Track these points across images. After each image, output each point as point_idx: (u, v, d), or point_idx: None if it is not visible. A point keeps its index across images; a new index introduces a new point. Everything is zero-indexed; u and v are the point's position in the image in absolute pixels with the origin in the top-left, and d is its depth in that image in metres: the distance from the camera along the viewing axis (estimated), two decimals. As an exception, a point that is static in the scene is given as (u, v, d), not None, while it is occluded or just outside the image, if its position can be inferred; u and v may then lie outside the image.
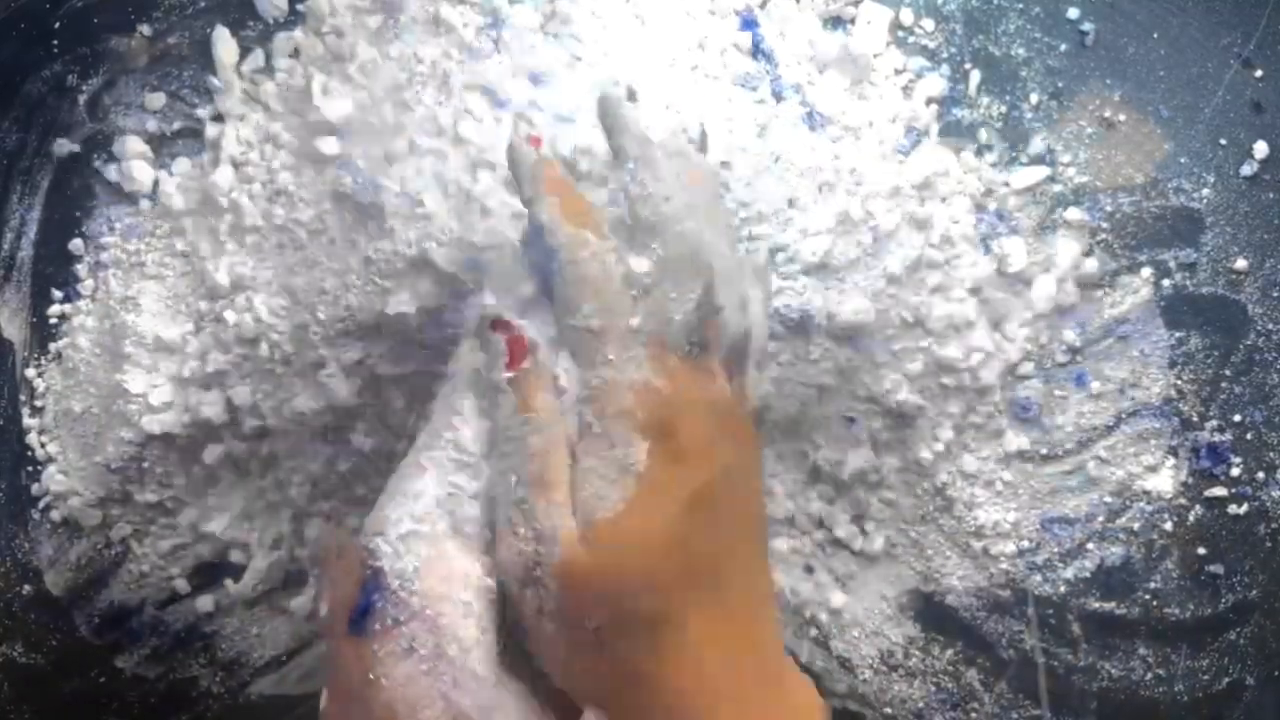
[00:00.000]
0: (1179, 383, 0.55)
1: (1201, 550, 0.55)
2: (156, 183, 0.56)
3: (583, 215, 0.40)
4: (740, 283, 0.41)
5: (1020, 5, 0.57)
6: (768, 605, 0.40)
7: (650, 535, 0.36)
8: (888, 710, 0.56)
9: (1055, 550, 0.55)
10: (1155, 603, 0.55)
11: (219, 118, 0.56)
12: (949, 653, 0.56)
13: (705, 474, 0.37)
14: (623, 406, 0.37)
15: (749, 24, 0.55)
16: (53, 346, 0.56)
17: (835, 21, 0.57)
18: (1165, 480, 0.55)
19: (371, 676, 0.36)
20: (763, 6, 0.56)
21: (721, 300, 0.39)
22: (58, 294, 0.57)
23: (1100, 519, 0.55)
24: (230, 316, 0.52)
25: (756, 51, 0.55)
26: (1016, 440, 0.55)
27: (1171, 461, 0.55)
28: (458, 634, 0.37)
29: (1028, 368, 0.55)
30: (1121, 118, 0.56)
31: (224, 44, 0.56)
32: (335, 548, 0.39)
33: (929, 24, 0.57)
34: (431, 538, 0.38)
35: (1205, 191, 0.56)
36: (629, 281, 0.39)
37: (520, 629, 0.38)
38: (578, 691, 0.38)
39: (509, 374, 0.39)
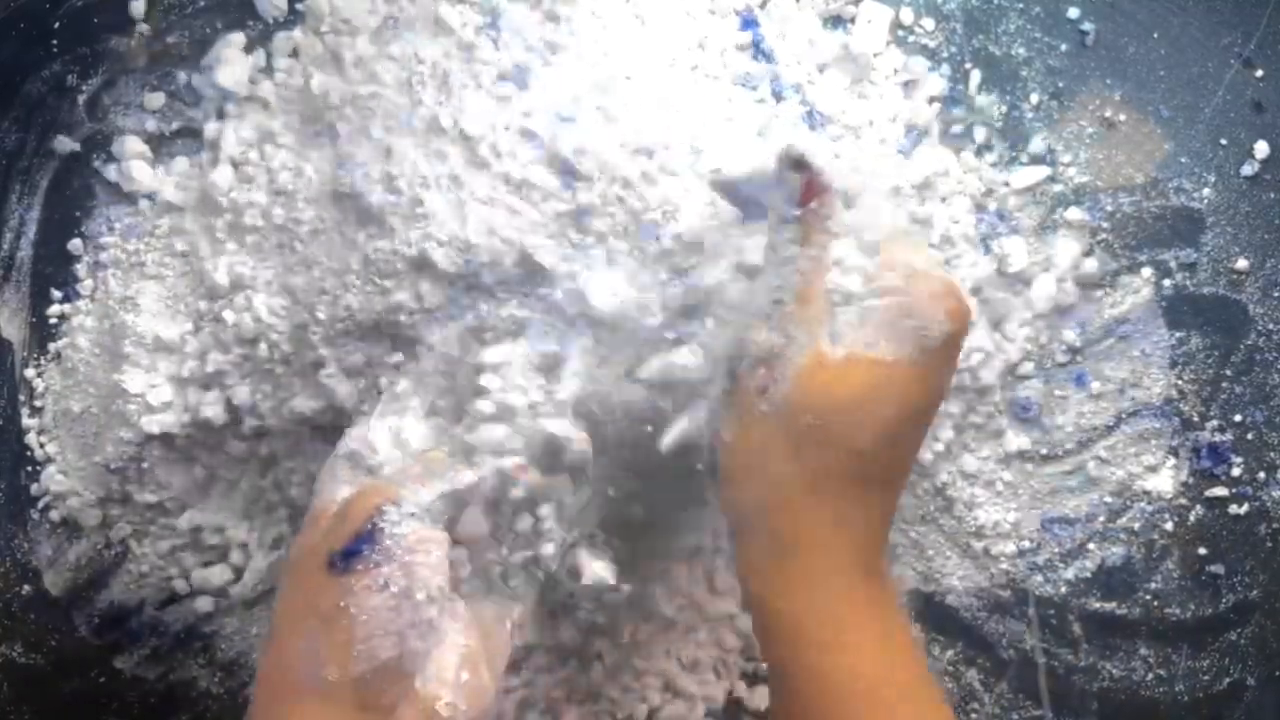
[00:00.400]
0: (1179, 383, 0.55)
1: (1202, 550, 0.55)
2: (156, 183, 0.56)
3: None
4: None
5: (1020, 5, 0.57)
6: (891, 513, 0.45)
7: (903, 400, 0.41)
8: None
9: (1056, 550, 0.55)
10: (1156, 603, 0.55)
11: (218, 117, 0.56)
12: (949, 653, 0.56)
13: (952, 376, 0.44)
14: (935, 289, 0.42)
15: (749, 24, 0.55)
16: (52, 346, 0.56)
17: (835, 21, 0.57)
18: (1166, 480, 0.55)
19: (342, 604, 0.41)
20: (763, 6, 0.56)
21: None
22: (57, 294, 0.56)
23: (1101, 519, 0.55)
24: (229, 316, 0.52)
25: (756, 51, 0.55)
26: (1017, 440, 0.55)
27: (1172, 461, 0.55)
28: (427, 583, 0.41)
29: (1028, 368, 0.55)
30: (1122, 118, 0.56)
31: (231, 50, 0.56)
32: (362, 491, 0.44)
33: (929, 23, 0.57)
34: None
35: (1206, 191, 0.56)
36: None
37: (728, 400, 0.44)
38: (744, 489, 0.43)
39: (798, 210, 0.43)
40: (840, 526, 0.42)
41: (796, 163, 0.43)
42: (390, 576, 0.41)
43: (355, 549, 0.42)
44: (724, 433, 0.44)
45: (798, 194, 0.43)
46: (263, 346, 0.51)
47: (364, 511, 0.42)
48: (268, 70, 0.56)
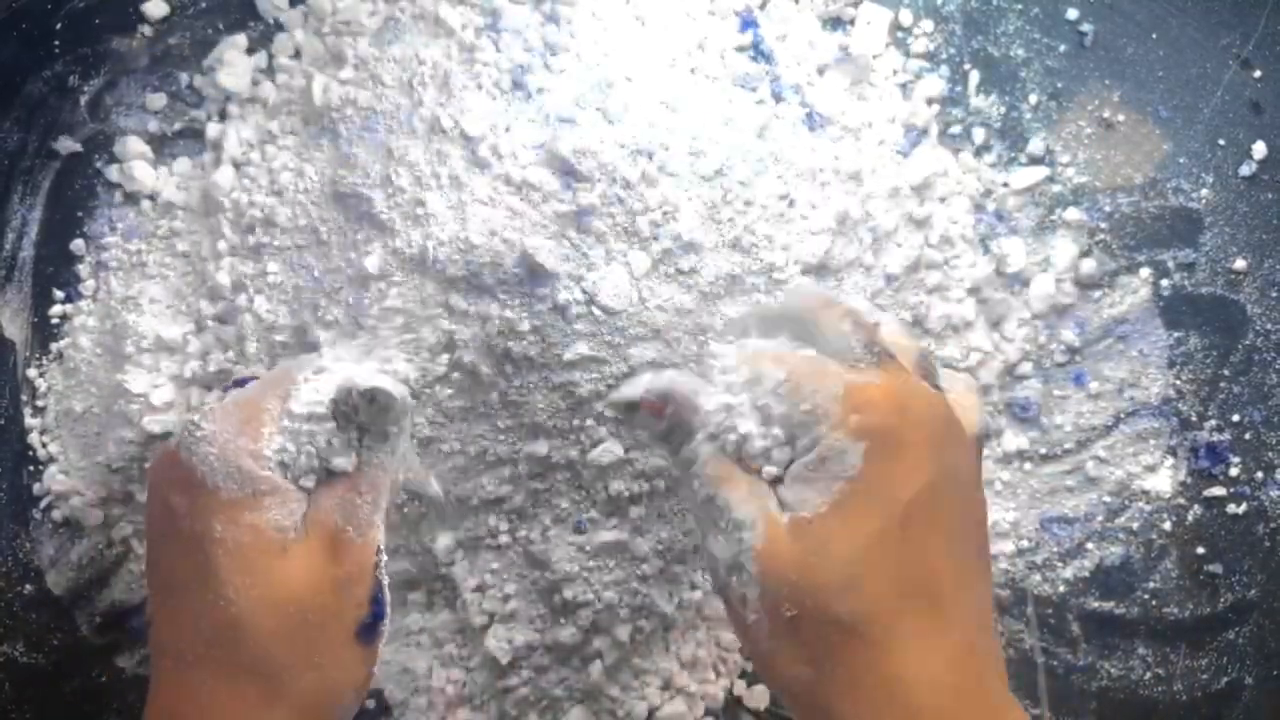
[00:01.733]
0: (1178, 383, 0.55)
1: (1200, 550, 0.55)
2: (157, 183, 0.56)
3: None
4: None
5: (1019, 6, 0.57)
6: (988, 629, 0.39)
7: (855, 538, 0.36)
8: None
9: (1054, 550, 0.55)
10: (1154, 602, 0.55)
11: (220, 118, 0.56)
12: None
13: (923, 476, 0.37)
14: (830, 412, 0.37)
15: (748, 25, 0.55)
16: (54, 346, 0.56)
17: (835, 23, 0.57)
18: (1164, 480, 0.55)
19: (369, 671, 0.42)
20: (762, 7, 0.56)
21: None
22: (59, 294, 0.57)
23: (1099, 519, 0.55)
24: (231, 316, 0.52)
25: (756, 52, 0.55)
26: (1015, 440, 0.56)
27: (1170, 461, 0.55)
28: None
29: (1026, 368, 0.55)
30: (1120, 118, 0.56)
31: (233, 51, 0.56)
32: (349, 544, 0.42)
33: (928, 25, 0.57)
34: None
35: (1204, 192, 0.56)
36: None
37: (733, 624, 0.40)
38: (776, 681, 0.39)
39: (663, 420, 0.42)
40: (898, 685, 0.36)
41: (626, 408, 0.43)
42: (385, 634, 0.43)
43: (379, 613, 0.42)
44: (745, 650, 0.42)
45: (650, 421, 0.43)
46: (264, 347, 0.52)
47: (369, 573, 0.42)
48: (269, 71, 0.56)
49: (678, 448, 0.42)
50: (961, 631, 0.37)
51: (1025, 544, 0.55)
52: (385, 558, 0.43)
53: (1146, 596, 0.55)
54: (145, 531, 0.44)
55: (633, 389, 0.45)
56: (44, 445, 0.56)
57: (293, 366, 0.45)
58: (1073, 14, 0.57)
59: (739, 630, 0.40)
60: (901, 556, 0.36)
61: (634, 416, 0.44)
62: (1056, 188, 0.56)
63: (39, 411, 0.56)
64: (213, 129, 0.56)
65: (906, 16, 0.57)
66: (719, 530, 0.39)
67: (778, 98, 0.54)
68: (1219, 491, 0.55)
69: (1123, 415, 0.55)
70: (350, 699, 0.42)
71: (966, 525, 0.38)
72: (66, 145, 0.57)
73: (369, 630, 0.42)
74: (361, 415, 0.44)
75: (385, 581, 0.43)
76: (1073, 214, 0.56)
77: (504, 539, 0.54)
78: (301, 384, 0.43)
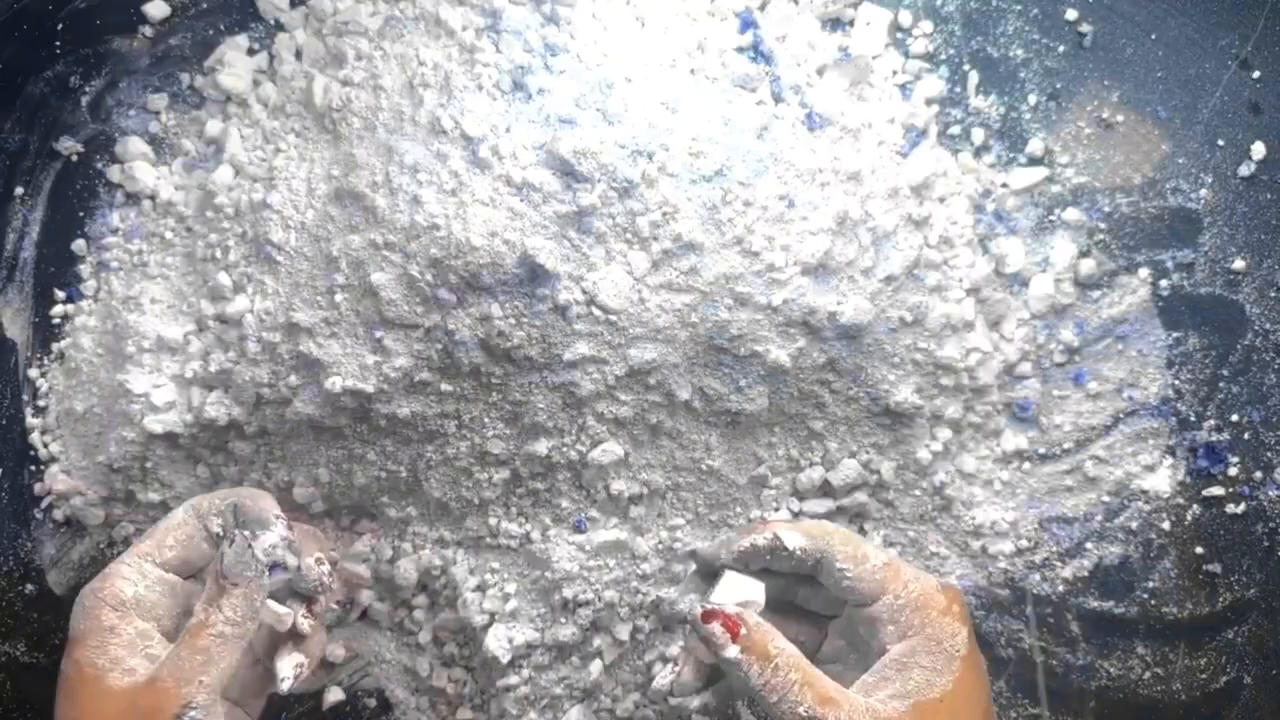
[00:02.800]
0: (1177, 382, 0.55)
1: (1199, 549, 0.55)
2: (158, 183, 0.57)
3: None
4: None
5: (1018, 7, 0.57)
6: None
7: (976, 708, 0.45)
8: None
9: (1054, 549, 0.55)
10: (1153, 602, 0.55)
11: (221, 118, 0.56)
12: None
13: (983, 660, 0.47)
14: (941, 605, 0.46)
15: (748, 25, 0.55)
16: (55, 346, 0.57)
17: (834, 23, 0.57)
18: (1163, 480, 0.55)
19: None
20: (762, 8, 0.56)
21: None
22: (60, 294, 0.57)
23: (1098, 518, 0.55)
24: (232, 316, 0.52)
25: (756, 53, 0.55)
26: (1015, 440, 0.56)
27: (1169, 461, 0.55)
28: None
29: (1026, 368, 0.55)
30: (1119, 118, 0.56)
31: (234, 51, 0.56)
32: (152, 692, 0.45)
33: (928, 25, 0.57)
34: None
35: (1203, 192, 0.56)
36: None
37: None
38: None
39: (736, 648, 0.44)
40: None
41: (705, 615, 0.45)
42: None
43: None
44: None
45: (725, 636, 0.44)
46: (264, 347, 0.52)
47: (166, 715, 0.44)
48: (270, 72, 0.56)
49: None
50: None
51: (1024, 543, 0.55)
52: (198, 713, 0.44)
53: (1145, 596, 0.55)
54: None
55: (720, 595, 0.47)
56: (45, 445, 0.56)
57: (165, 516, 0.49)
58: (1072, 14, 0.57)
59: None
60: (992, 712, 0.46)
61: (703, 641, 0.45)
62: (1055, 188, 0.56)
63: (40, 411, 0.56)
64: (213, 129, 0.56)
65: (906, 17, 0.57)
66: None
67: (778, 98, 0.54)
68: (1218, 491, 0.55)
69: (1122, 415, 0.55)
70: None
71: None
72: (68, 145, 0.57)
73: None
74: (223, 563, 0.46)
75: None
76: (1072, 214, 0.56)
77: (504, 539, 0.54)
78: (164, 536, 0.48)
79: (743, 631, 0.44)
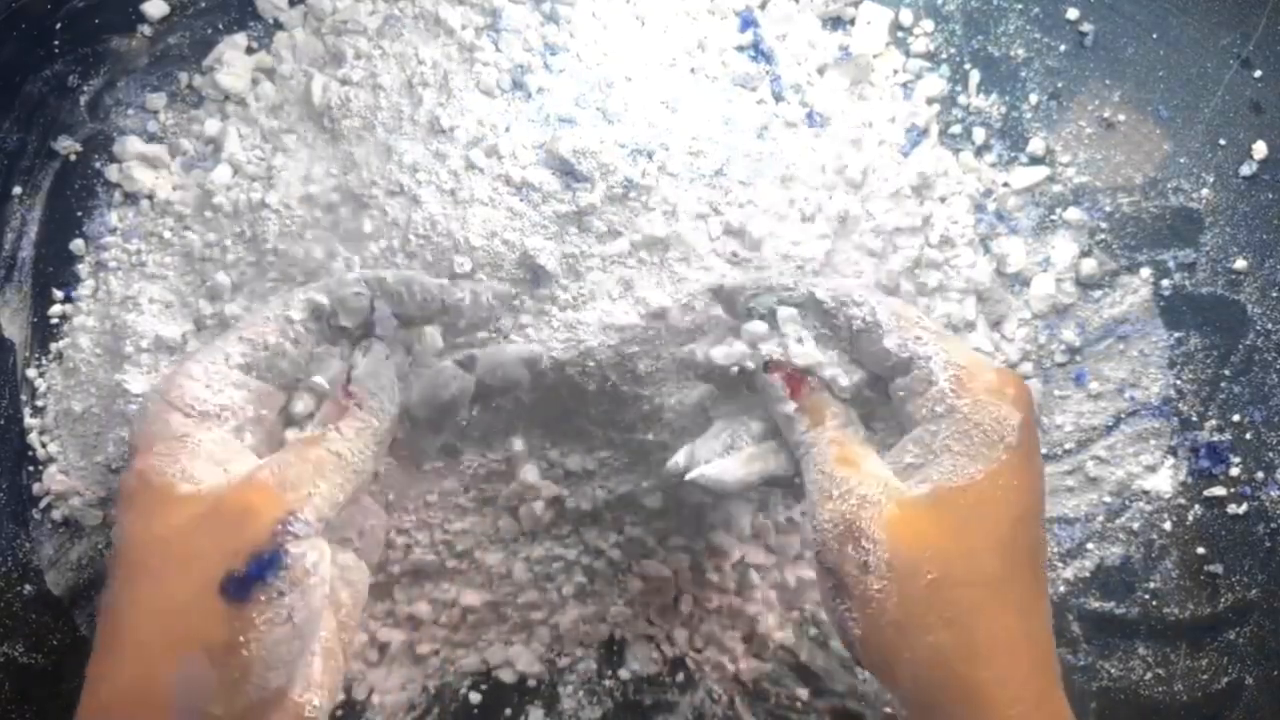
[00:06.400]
0: (1178, 383, 0.55)
1: (1201, 550, 0.55)
2: (156, 183, 0.56)
3: None
4: None
5: (1020, 6, 0.57)
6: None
7: (1013, 503, 0.38)
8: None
9: (1055, 550, 0.55)
10: (1155, 602, 0.55)
11: (220, 118, 0.56)
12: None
13: (1039, 462, 0.40)
14: (990, 384, 0.40)
15: (749, 24, 0.55)
16: (54, 346, 0.56)
17: (835, 22, 0.57)
18: (1164, 480, 0.55)
19: (240, 640, 0.36)
20: (763, 7, 0.56)
21: None
22: (58, 294, 0.57)
23: (1100, 519, 0.55)
24: (231, 316, 0.52)
25: (756, 52, 0.55)
26: (1016, 440, 0.55)
27: (1171, 461, 0.55)
28: (320, 613, 0.38)
29: (1027, 368, 0.55)
30: (1121, 118, 0.56)
31: (232, 51, 0.56)
32: (253, 491, 0.37)
33: (929, 24, 0.57)
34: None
35: (1204, 191, 0.56)
36: None
37: (840, 597, 0.40)
38: (903, 652, 0.38)
39: (795, 403, 0.42)
40: (1017, 660, 0.38)
41: (769, 365, 0.43)
42: (293, 607, 0.36)
43: (257, 574, 0.36)
44: (852, 631, 0.39)
45: (783, 391, 0.43)
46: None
47: (267, 528, 0.36)
48: (269, 71, 0.56)
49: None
50: (1042, 630, 0.40)
51: (1025, 544, 0.55)
52: (304, 529, 0.37)
53: (1147, 596, 0.55)
54: None
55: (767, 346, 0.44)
56: (43, 445, 0.56)
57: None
58: (1073, 14, 0.57)
59: (848, 601, 0.39)
60: (1037, 524, 0.40)
61: (763, 386, 0.43)
62: (1057, 187, 0.56)
63: (38, 411, 0.56)
64: (212, 128, 0.56)
65: (907, 16, 0.57)
66: (830, 500, 0.40)
67: (778, 97, 0.54)
68: (1219, 491, 0.55)
69: (1123, 415, 0.55)
70: (198, 664, 0.36)
71: (1040, 534, 0.41)
72: (66, 145, 0.57)
73: (239, 586, 0.36)
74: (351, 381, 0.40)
75: (297, 556, 0.37)
76: (1073, 214, 0.56)
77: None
78: (239, 333, 0.41)
79: (804, 390, 0.42)
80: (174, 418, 0.39)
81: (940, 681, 0.38)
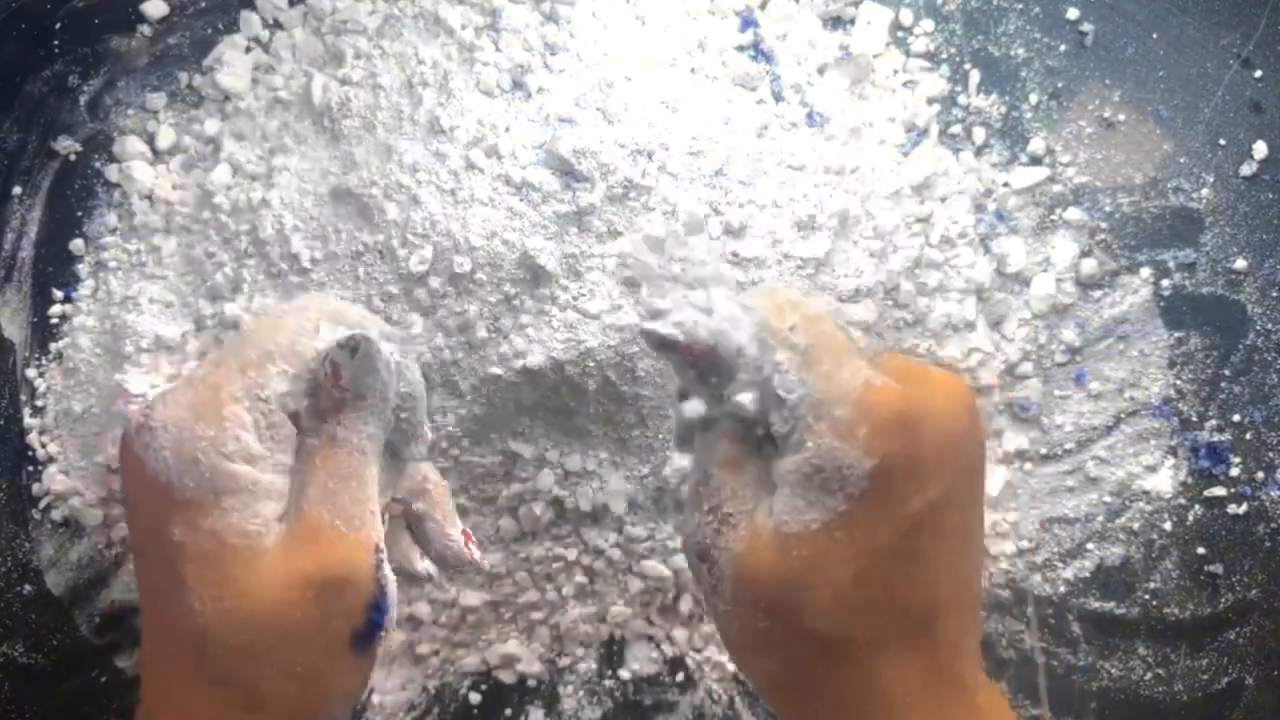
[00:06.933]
0: (1178, 383, 0.55)
1: (1201, 550, 0.55)
2: (156, 183, 0.56)
3: None
4: None
5: (1020, 6, 0.57)
6: (974, 659, 0.37)
7: (848, 563, 0.33)
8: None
9: (1055, 550, 0.55)
10: (1155, 602, 0.55)
11: (219, 117, 0.56)
12: (949, 652, 0.56)
13: (931, 496, 0.33)
14: (839, 424, 0.34)
15: (749, 24, 0.55)
16: (53, 346, 0.56)
17: (835, 22, 0.57)
18: (1165, 480, 0.55)
19: (363, 680, 0.38)
20: (763, 7, 0.56)
21: None
22: (58, 294, 0.57)
23: (1100, 519, 0.55)
24: (230, 316, 0.52)
25: (756, 52, 0.55)
26: (1015, 440, 0.55)
27: (1171, 461, 0.55)
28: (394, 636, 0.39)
29: (1027, 368, 0.55)
30: (1121, 118, 0.56)
31: (232, 51, 0.56)
32: (343, 545, 0.37)
33: (929, 24, 0.57)
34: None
35: (1204, 191, 0.56)
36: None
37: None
38: (742, 667, 0.38)
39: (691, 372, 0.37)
40: (880, 699, 0.34)
41: (660, 345, 0.37)
42: (390, 644, 0.38)
43: (377, 622, 0.37)
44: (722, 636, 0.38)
45: (685, 367, 0.37)
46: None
47: (369, 581, 0.37)
48: (268, 71, 0.56)
49: (716, 393, 0.37)
50: (948, 645, 0.35)
51: (1025, 544, 0.55)
52: (385, 555, 0.38)
53: (1147, 597, 0.55)
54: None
55: (666, 324, 0.37)
56: (43, 445, 0.56)
57: (253, 334, 0.39)
58: (1073, 13, 0.57)
59: (706, 604, 0.38)
60: (896, 582, 0.34)
61: (668, 355, 0.38)
62: (1057, 187, 0.56)
63: (38, 411, 0.56)
64: (211, 128, 0.56)
65: (907, 16, 0.57)
66: (699, 510, 0.37)
67: (778, 97, 0.54)
68: (1219, 492, 0.55)
69: (1123, 415, 0.55)
70: (340, 708, 0.38)
71: (969, 539, 0.36)
72: (66, 145, 0.57)
73: (365, 639, 0.37)
74: (342, 378, 0.38)
75: (389, 582, 0.38)
76: (1073, 214, 0.56)
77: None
78: (273, 363, 0.38)
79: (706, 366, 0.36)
80: (236, 468, 0.36)
81: (780, 704, 0.37)
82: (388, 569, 0.38)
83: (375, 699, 0.56)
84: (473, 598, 0.54)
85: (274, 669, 0.36)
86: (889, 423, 0.33)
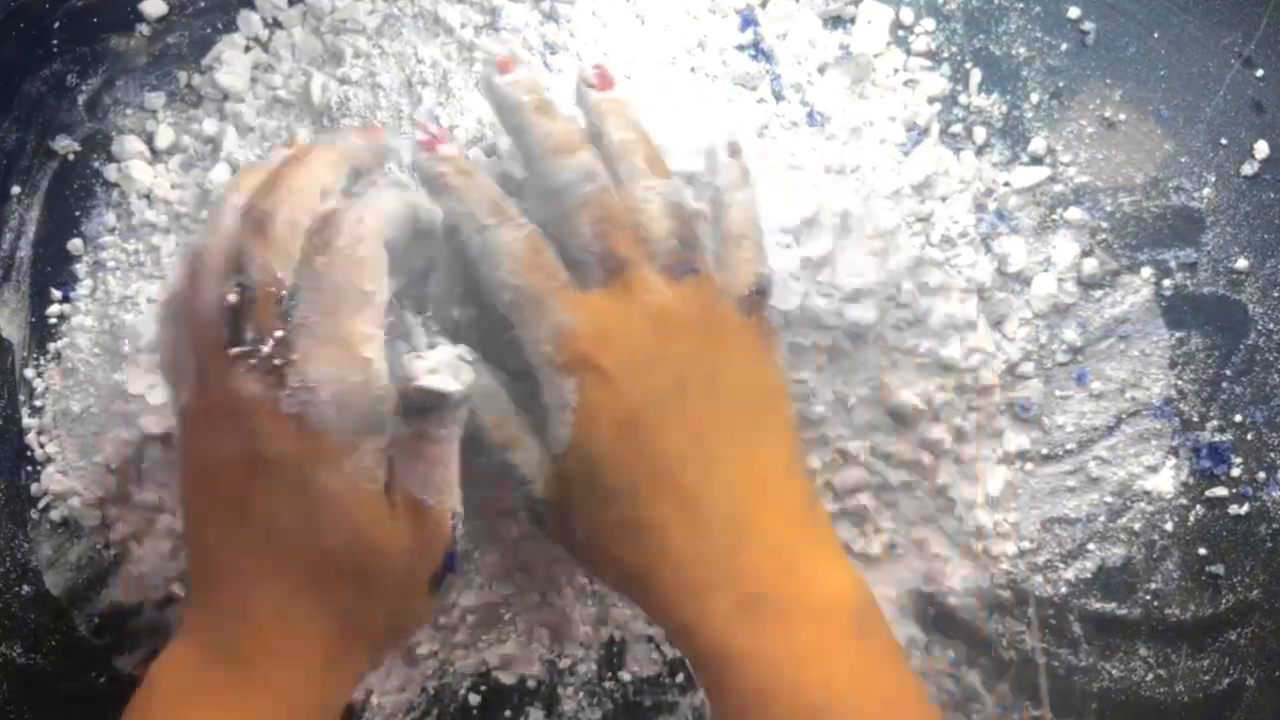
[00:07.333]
0: (1180, 383, 0.55)
1: (1202, 550, 0.55)
2: (155, 183, 0.56)
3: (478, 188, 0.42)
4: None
5: (1021, 5, 0.57)
6: (788, 493, 0.42)
7: (594, 456, 0.40)
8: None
9: (1056, 551, 0.55)
10: (1156, 603, 0.55)
11: (218, 117, 0.56)
12: (950, 653, 0.56)
13: (642, 387, 0.40)
14: (545, 353, 0.40)
15: (749, 23, 0.55)
16: (52, 346, 0.56)
17: (835, 21, 0.57)
18: (1166, 480, 0.55)
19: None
20: (763, 6, 0.56)
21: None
22: (57, 294, 0.56)
23: (1101, 519, 0.55)
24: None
25: (757, 51, 0.55)
26: (1016, 440, 0.55)
27: (1172, 461, 0.55)
28: None
29: (1028, 368, 0.55)
30: (1122, 117, 0.56)
31: (231, 50, 0.56)
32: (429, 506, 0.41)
33: (930, 23, 0.57)
34: None
35: (1206, 191, 0.56)
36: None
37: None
38: (596, 573, 0.47)
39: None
40: (686, 547, 0.40)
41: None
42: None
43: (450, 567, 0.42)
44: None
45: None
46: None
47: (447, 536, 0.41)
48: (267, 70, 0.56)
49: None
50: (726, 502, 0.40)
51: (1026, 545, 0.55)
52: (460, 518, 0.42)
53: (1148, 597, 0.55)
54: (195, 447, 0.40)
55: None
56: (42, 445, 0.56)
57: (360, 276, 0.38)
58: (1074, 12, 0.57)
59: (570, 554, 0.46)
60: (636, 462, 0.40)
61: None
62: (1058, 187, 0.56)
63: (37, 411, 0.56)
64: (210, 127, 0.56)
65: (908, 15, 0.57)
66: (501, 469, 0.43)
67: (778, 96, 0.54)
68: (1221, 492, 0.55)
69: (1124, 415, 0.55)
70: (408, 638, 0.49)
71: (713, 408, 0.41)
72: (64, 144, 0.57)
73: (439, 580, 0.42)
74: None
75: (459, 538, 0.42)
76: (1074, 213, 0.56)
77: None
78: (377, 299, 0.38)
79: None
80: (370, 409, 0.37)
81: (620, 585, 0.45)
82: (460, 530, 0.42)
83: (375, 699, 0.56)
84: (472, 598, 0.54)
85: (370, 601, 0.40)
86: (577, 344, 0.40)
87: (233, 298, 0.37)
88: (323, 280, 0.37)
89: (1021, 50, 0.57)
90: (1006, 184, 0.56)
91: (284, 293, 0.37)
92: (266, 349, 0.37)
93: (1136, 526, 0.55)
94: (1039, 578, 0.55)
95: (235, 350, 0.37)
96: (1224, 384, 0.55)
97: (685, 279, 0.41)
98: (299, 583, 0.39)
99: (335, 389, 0.36)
